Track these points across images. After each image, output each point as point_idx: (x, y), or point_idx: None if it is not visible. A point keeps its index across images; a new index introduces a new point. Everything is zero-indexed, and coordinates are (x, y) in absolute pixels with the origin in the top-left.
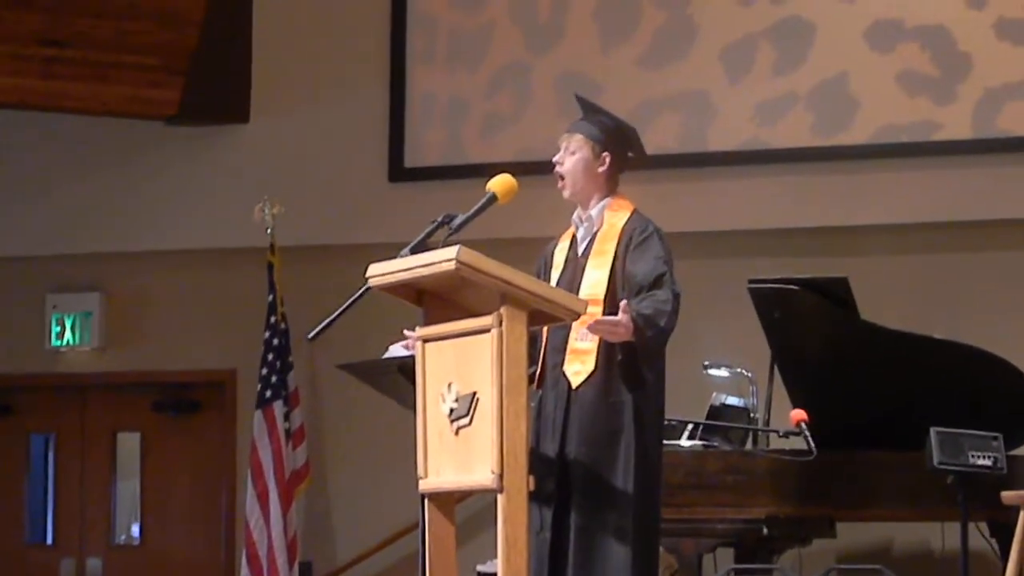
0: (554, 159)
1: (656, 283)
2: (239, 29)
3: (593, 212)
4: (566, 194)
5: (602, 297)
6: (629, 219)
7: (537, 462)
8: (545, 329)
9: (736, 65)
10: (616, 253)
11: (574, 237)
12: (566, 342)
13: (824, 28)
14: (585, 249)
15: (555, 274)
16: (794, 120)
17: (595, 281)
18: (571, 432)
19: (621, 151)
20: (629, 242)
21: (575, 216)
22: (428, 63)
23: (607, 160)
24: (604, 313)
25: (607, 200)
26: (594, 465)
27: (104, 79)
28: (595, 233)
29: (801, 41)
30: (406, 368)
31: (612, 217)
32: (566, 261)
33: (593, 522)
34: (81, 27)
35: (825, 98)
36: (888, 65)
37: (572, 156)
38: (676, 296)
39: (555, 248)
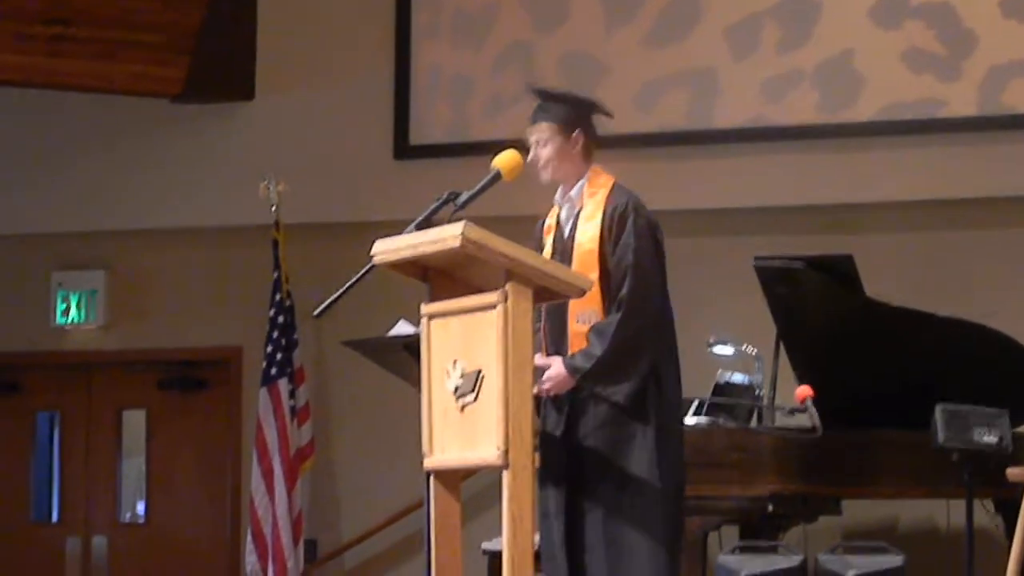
0: (528, 159)
1: (621, 301)
2: (244, 7)
3: (573, 192)
4: (546, 179)
5: (595, 280)
6: (609, 195)
7: (546, 445)
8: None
9: (741, 43)
10: (601, 235)
11: (559, 219)
12: (564, 327)
13: (829, 5)
14: (571, 231)
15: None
16: (800, 97)
17: (585, 264)
18: (580, 415)
19: (589, 124)
20: (611, 223)
21: (557, 196)
22: (433, 40)
23: (580, 139)
24: (600, 293)
25: (585, 177)
26: (607, 447)
27: (109, 57)
28: (577, 213)
29: (806, 18)
30: (411, 345)
31: (592, 195)
32: (554, 242)
33: (610, 506)
34: (86, 5)
35: (830, 75)
36: (893, 42)
37: (544, 148)
38: (633, 305)
39: (543, 230)
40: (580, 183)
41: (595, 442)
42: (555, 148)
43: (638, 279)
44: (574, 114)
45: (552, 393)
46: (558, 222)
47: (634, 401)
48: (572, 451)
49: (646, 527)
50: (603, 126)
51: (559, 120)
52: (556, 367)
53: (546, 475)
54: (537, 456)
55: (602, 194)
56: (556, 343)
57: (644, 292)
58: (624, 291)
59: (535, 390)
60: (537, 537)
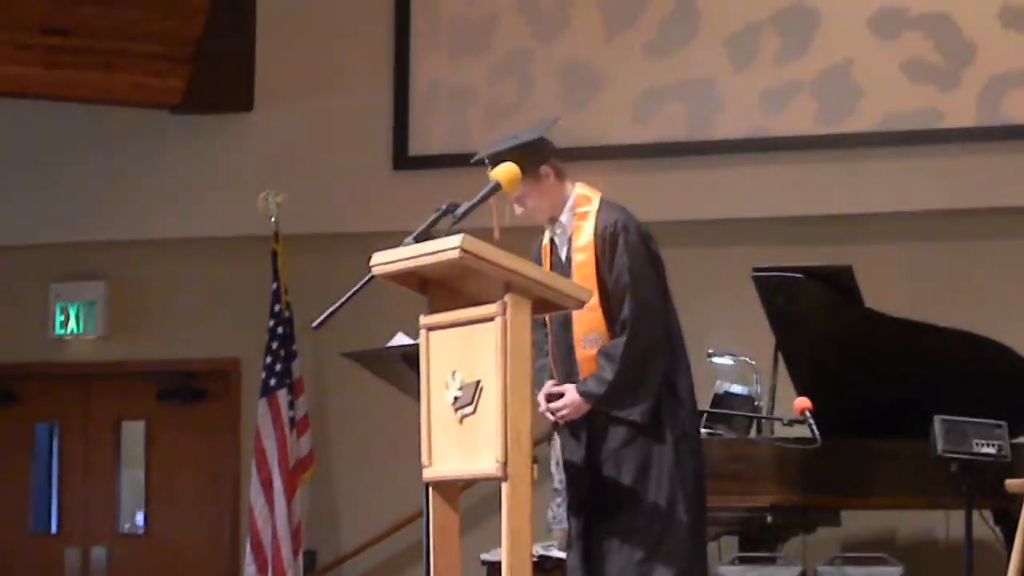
0: (520, 215)
1: (624, 322)
2: (243, 17)
3: (563, 218)
4: (549, 221)
5: (596, 302)
6: (597, 215)
7: (567, 472)
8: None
9: (741, 53)
10: (596, 258)
11: (553, 241)
12: (571, 352)
13: (828, 16)
14: (567, 254)
15: None
16: (799, 108)
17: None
18: (599, 439)
19: (546, 150)
20: (604, 246)
21: (547, 224)
22: (432, 51)
23: (548, 171)
24: (603, 315)
25: (570, 201)
26: (627, 468)
27: (108, 68)
28: (570, 238)
29: (805, 29)
30: (410, 356)
31: (582, 217)
32: (552, 265)
33: (631, 530)
34: (85, 15)
35: (829, 86)
36: (892, 53)
37: (529, 200)
38: (637, 325)
39: (540, 250)
40: (567, 208)
41: (616, 463)
42: (536, 194)
43: (637, 298)
44: (529, 157)
45: (568, 419)
46: (552, 243)
47: (651, 418)
48: (593, 475)
49: (667, 553)
50: (603, 137)
51: (524, 167)
52: (570, 394)
53: (571, 500)
54: (536, 468)
55: (590, 216)
56: (566, 369)
57: (645, 310)
58: (626, 312)
59: (551, 416)
60: (538, 548)
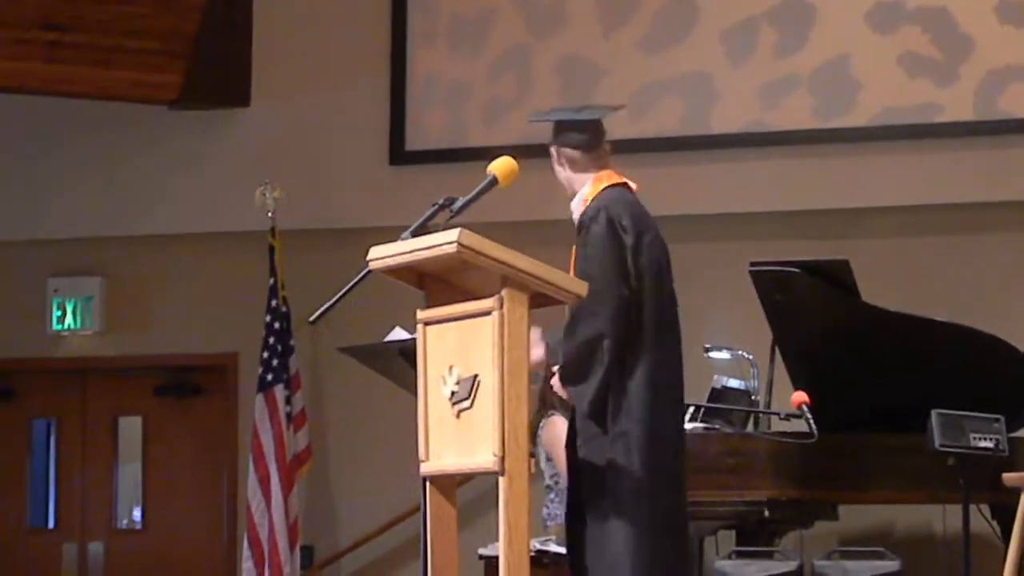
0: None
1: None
2: (240, 13)
3: (573, 203)
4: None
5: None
6: (585, 210)
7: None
8: None
9: (738, 48)
10: (575, 251)
11: None
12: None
13: (825, 10)
14: None
15: None
16: (796, 102)
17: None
18: (573, 430)
19: (567, 139)
20: (580, 236)
21: None
22: (429, 46)
23: (560, 155)
24: None
25: (582, 191)
26: (584, 456)
27: (106, 63)
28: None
29: (802, 23)
30: (407, 351)
31: (577, 210)
32: None
33: (595, 517)
34: (83, 11)
35: (827, 80)
36: (889, 47)
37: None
38: (573, 325)
39: None
40: (578, 196)
41: (581, 453)
42: (556, 174)
43: (580, 309)
44: (554, 135)
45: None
46: None
47: (594, 408)
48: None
49: (623, 534)
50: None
51: (549, 144)
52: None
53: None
54: (533, 462)
55: (580, 210)
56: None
57: (582, 309)
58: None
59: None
60: (536, 543)
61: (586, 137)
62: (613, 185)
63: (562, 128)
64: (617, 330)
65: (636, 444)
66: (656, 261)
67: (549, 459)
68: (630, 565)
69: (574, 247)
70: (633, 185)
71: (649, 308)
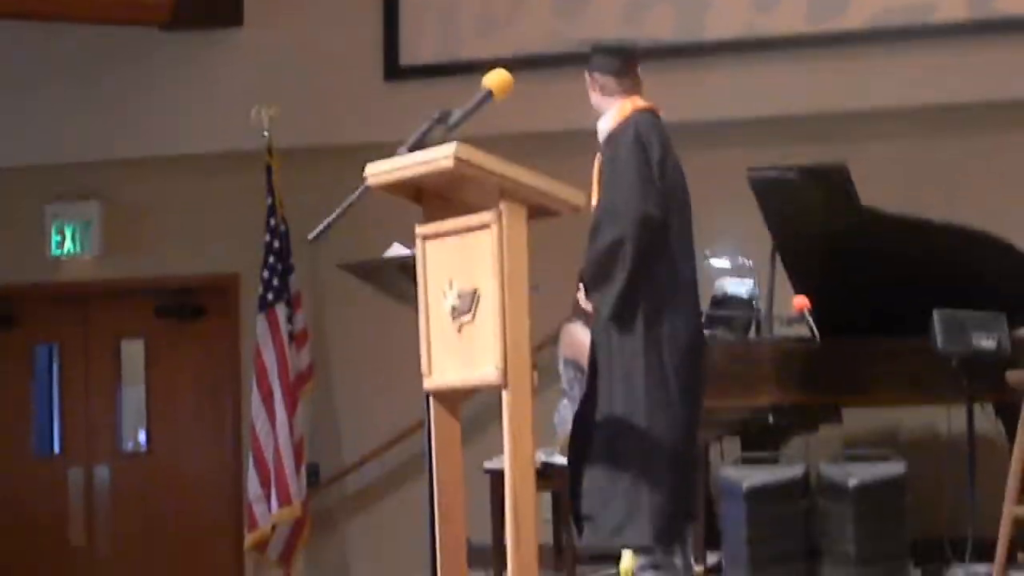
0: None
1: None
2: None
3: (600, 125)
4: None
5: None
6: (615, 127)
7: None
8: None
9: None
10: (600, 168)
11: None
12: None
13: None
14: None
15: None
16: (790, 6)
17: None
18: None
19: (599, 67)
20: (604, 156)
21: None
22: None
23: (594, 80)
24: None
25: (609, 113)
26: (600, 358)
27: None
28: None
29: None
30: (407, 267)
31: (606, 127)
32: None
33: (605, 424)
34: None
35: None
36: None
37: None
38: (595, 232)
39: None
40: (605, 117)
41: (596, 354)
42: (590, 95)
43: (602, 203)
44: (590, 63)
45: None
46: None
47: (616, 311)
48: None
49: (608, 464)
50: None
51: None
52: None
53: None
54: (536, 375)
55: (604, 134)
56: None
57: (604, 216)
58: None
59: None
60: (541, 455)
61: (618, 64)
62: (643, 109)
63: (596, 54)
64: (640, 237)
65: (655, 349)
66: (679, 185)
67: (567, 363)
68: (639, 470)
69: (598, 157)
70: (660, 112)
71: (675, 226)
